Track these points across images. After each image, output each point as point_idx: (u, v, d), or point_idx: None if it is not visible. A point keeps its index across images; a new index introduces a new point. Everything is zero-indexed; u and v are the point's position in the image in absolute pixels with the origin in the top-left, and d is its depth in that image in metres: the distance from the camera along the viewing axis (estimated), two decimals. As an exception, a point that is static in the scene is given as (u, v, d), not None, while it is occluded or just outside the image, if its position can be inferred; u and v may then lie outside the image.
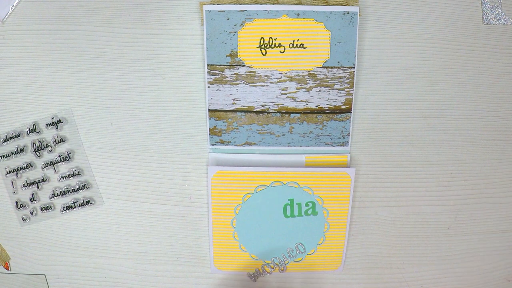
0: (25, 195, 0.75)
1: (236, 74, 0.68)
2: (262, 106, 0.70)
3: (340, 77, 0.68)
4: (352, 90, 0.69)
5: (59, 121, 0.72)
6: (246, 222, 0.74)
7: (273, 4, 0.66)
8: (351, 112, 0.70)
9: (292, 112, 0.70)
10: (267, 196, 0.73)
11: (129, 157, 0.73)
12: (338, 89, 0.69)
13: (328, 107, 0.70)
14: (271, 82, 0.69)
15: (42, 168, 0.73)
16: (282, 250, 0.76)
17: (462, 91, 0.71)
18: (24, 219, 0.75)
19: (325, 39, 0.67)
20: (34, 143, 0.72)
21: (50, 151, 0.73)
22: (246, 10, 0.66)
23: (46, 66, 0.70)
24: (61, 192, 0.74)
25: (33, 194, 0.74)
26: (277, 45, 0.67)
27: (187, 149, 0.73)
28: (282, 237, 0.75)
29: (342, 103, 0.70)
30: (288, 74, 0.68)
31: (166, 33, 0.69)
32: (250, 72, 0.68)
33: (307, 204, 0.73)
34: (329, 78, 0.68)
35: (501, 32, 0.70)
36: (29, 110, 0.72)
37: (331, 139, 0.71)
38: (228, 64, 0.68)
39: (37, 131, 0.72)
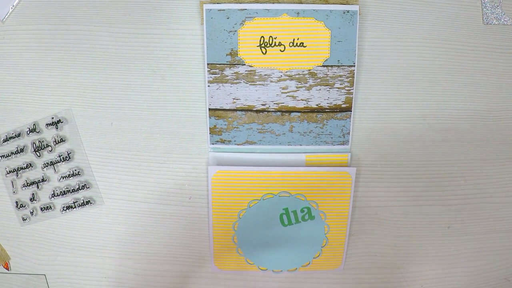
0: (25, 195, 0.74)
1: (236, 73, 0.68)
2: (262, 105, 0.70)
3: (340, 76, 0.68)
4: (352, 89, 0.69)
5: (59, 121, 0.71)
6: (248, 227, 0.74)
7: (273, 3, 0.66)
8: (351, 111, 0.70)
9: (292, 111, 0.70)
10: (271, 203, 0.73)
11: (129, 157, 0.73)
12: (338, 88, 0.69)
13: (328, 106, 0.70)
14: (271, 81, 0.69)
15: (42, 168, 0.73)
16: (281, 257, 0.76)
17: (462, 91, 0.71)
18: (24, 219, 0.75)
19: (325, 38, 0.67)
20: (34, 143, 0.72)
21: (50, 151, 0.72)
22: (246, 9, 0.66)
23: (46, 66, 0.70)
24: (61, 192, 0.74)
25: (33, 194, 0.74)
26: (277, 44, 0.67)
27: (187, 149, 0.73)
28: (283, 244, 0.75)
29: (342, 101, 0.70)
30: (288, 73, 0.68)
31: (166, 33, 0.69)
32: (250, 71, 0.68)
33: (302, 210, 0.73)
34: (329, 76, 0.68)
35: (501, 32, 0.70)
36: (29, 110, 0.72)
37: (331, 138, 0.71)
38: (228, 63, 0.68)
39: (37, 131, 0.72)
